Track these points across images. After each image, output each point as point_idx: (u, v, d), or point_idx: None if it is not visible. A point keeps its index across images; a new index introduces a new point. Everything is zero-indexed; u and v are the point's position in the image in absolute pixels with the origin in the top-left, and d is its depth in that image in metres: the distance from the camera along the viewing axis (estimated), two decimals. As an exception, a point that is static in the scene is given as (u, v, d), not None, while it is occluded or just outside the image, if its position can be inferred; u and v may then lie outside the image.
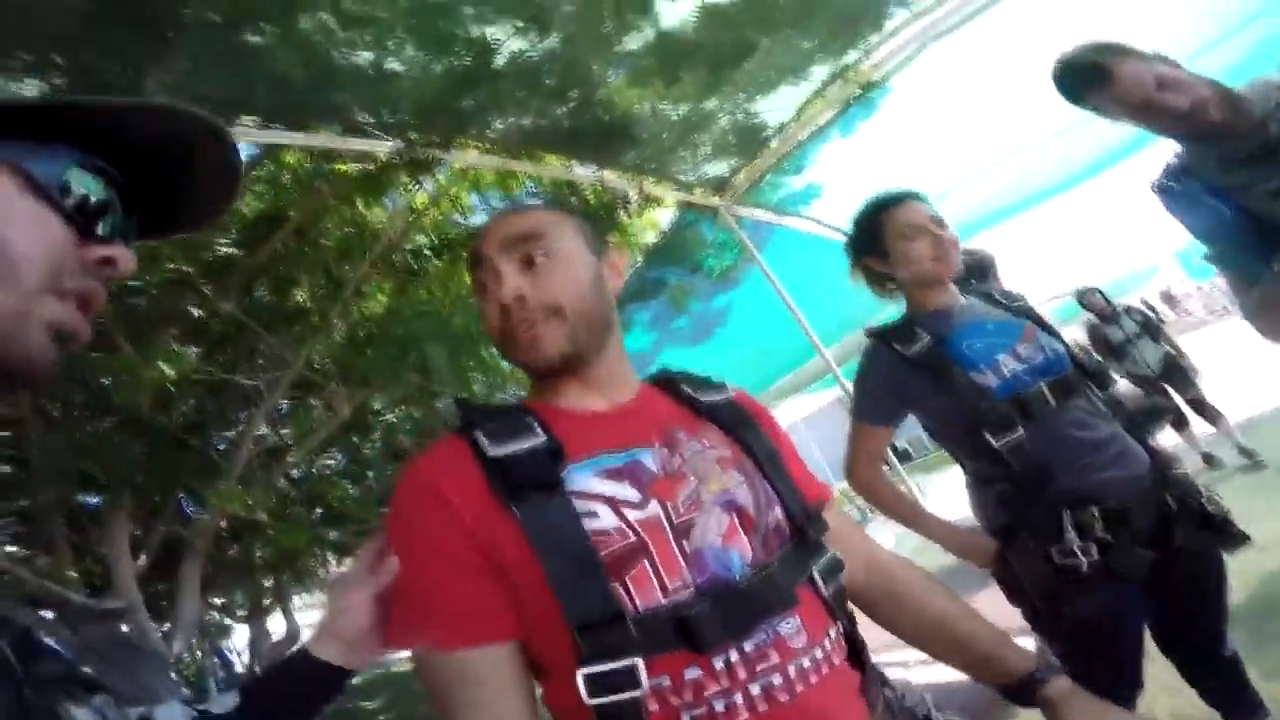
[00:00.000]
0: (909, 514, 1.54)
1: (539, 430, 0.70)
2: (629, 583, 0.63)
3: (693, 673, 0.61)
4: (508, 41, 2.12)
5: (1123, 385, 1.56)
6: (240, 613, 9.62)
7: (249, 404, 3.32)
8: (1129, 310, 5.32)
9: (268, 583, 7.13)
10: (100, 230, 0.51)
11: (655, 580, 0.64)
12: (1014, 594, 1.36)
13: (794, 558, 0.72)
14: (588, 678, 0.59)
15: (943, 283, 1.48)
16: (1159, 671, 1.38)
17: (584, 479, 0.68)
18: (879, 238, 1.53)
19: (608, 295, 0.80)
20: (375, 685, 11.08)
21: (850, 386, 1.60)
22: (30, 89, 1.83)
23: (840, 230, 3.66)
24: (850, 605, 0.78)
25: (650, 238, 3.80)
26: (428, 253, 3.39)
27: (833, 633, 0.71)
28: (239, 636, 11.38)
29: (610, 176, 2.98)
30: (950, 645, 0.86)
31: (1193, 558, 1.26)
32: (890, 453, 3.54)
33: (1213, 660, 1.34)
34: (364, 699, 9.95)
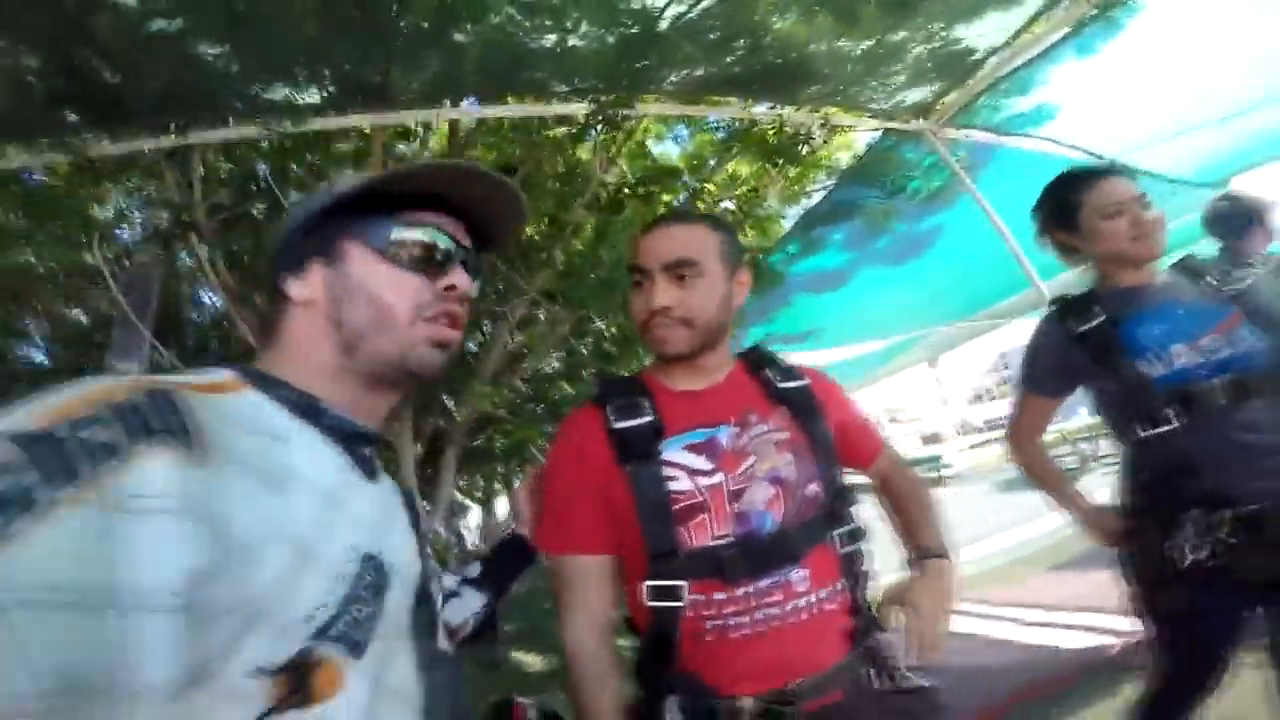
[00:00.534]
0: (1052, 486, 1.56)
1: (648, 409, 0.97)
2: (690, 529, 0.90)
3: (719, 595, 0.88)
4: (668, 7, 2.16)
5: None
6: (478, 495, 11.35)
7: (494, 319, 4.16)
8: None
9: (500, 469, 8.39)
10: (436, 265, 0.66)
11: (709, 528, 0.90)
12: (1126, 575, 1.39)
13: (818, 524, 0.94)
14: (649, 587, 0.88)
15: (1139, 264, 1.39)
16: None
17: (674, 451, 0.94)
18: (1073, 212, 1.44)
19: (730, 308, 1.03)
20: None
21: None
22: (311, 96, 2.44)
23: (1082, 150, 3.00)
24: (864, 568, 0.98)
25: (843, 158, 3.54)
26: (625, 191, 3.69)
27: (837, 585, 0.93)
28: (472, 516, 13.40)
29: (791, 112, 2.86)
30: (897, 517, 1.11)
31: None
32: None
33: None
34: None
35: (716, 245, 1.01)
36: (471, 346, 4.07)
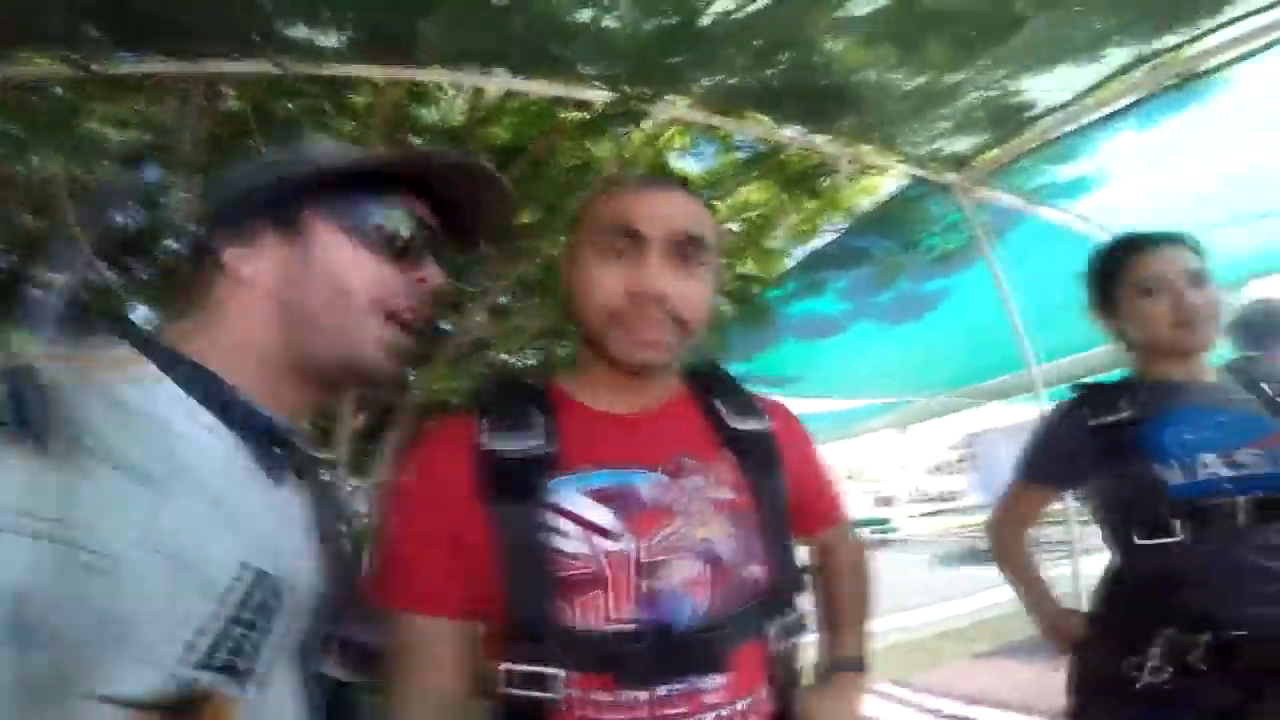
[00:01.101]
0: (1021, 581, 1.47)
1: (541, 431, 0.73)
2: (577, 605, 0.68)
3: (603, 696, 0.66)
4: (716, 2, 2.02)
5: None
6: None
7: (469, 302, 3.95)
8: None
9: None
10: (411, 255, 0.63)
11: (605, 609, 0.68)
12: (1070, 682, 1.32)
13: (753, 615, 0.73)
14: (508, 672, 0.66)
15: (1181, 355, 1.25)
16: None
17: (570, 495, 0.70)
18: (1111, 286, 1.32)
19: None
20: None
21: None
22: (331, 39, 2.27)
23: (1109, 230, 2.93)
24: (797, 666, 0.80)
25: (863, 202, 3.44)
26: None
27: (762, 693, 0.73)
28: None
29: (822, 141, 2.74)
30: (825, 604, 0.95)
31: None
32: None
33: None
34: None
35: (713, 225, 0.81)
36: (444, 326, 3.84)
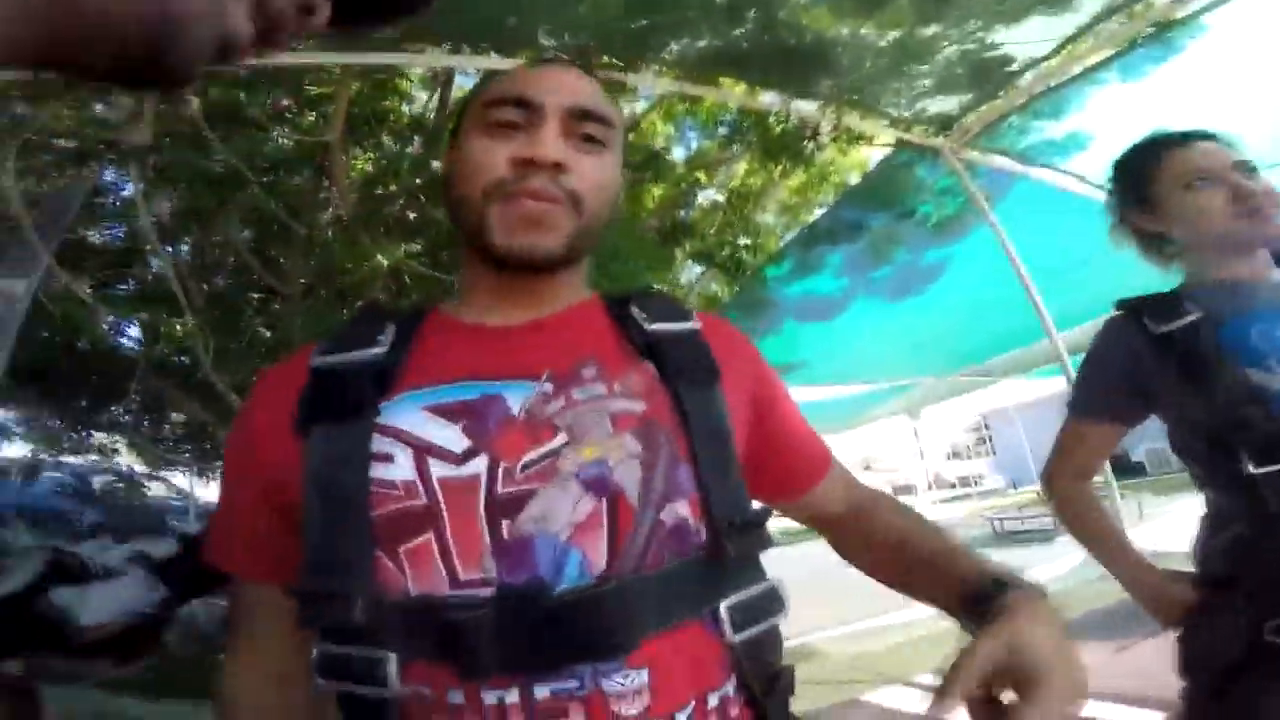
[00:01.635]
0: (1101, 543, 1.22)
1: (384, 340, 0.57)
2: (403, 556, 0.49)
3: (455, 697, 0.46)
4: (677, -39, 1.94)
5: None
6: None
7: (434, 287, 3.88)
8: None
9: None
10: None
11: (441, 563, 0.48)
12: (1188, 664, 1.06)
13: (684, 580, 0.51)
14: (321, 656, 0.49)
15: (1243, 248, 1.08)
16: None
17: (406, 412, 0.53)
18: (1149, 185, 1.16)
19: (610, 217, 0.65)
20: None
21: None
22: None
23: (1104, 187, 2.83)
24: (776, 667, 0.56)
25: (852, 176, 3.34)
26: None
27: (714, 699, 0.50)
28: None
29: (802, 105, 2.64)
30: (909, 566, 0.66)
31: None
32: (1108, 465, 2.83)
33: None
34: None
35: (620, 122, 0.66)
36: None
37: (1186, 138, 1.14)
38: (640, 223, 3.96)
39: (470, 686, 0.46)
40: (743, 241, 4.20)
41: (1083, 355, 1.24)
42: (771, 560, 0.57)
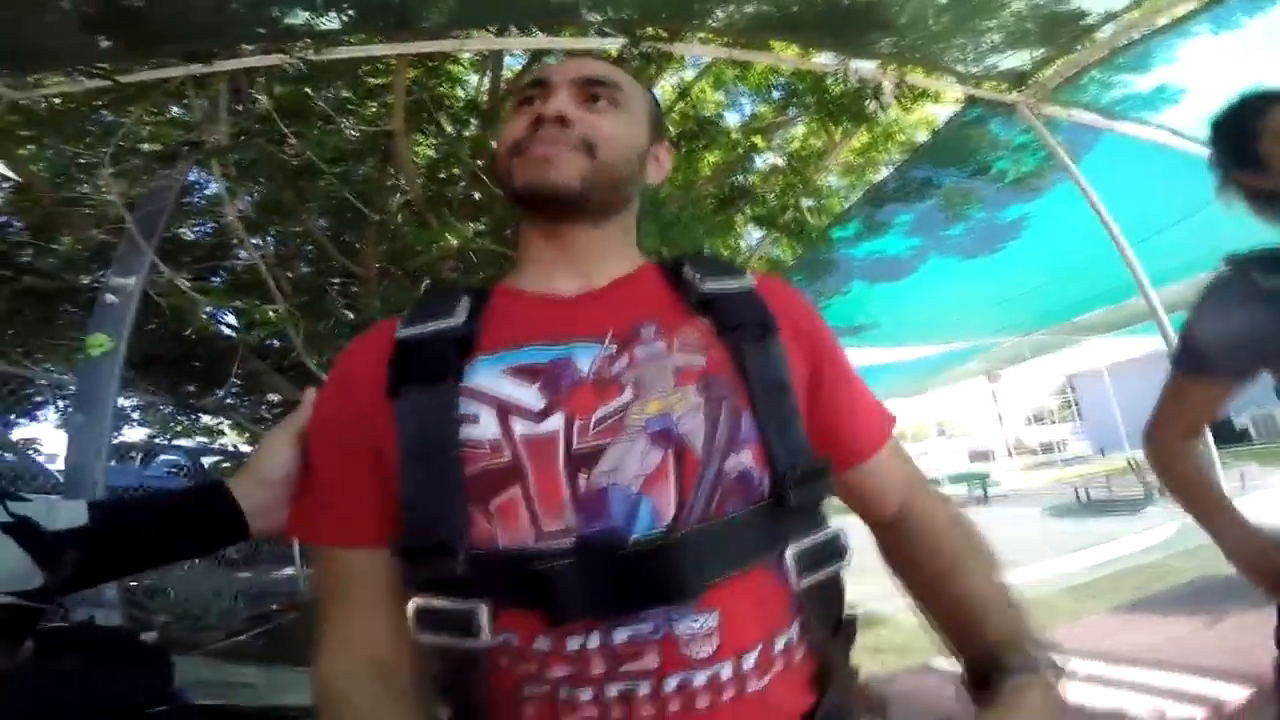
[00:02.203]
0: (1204, 504, 1.21)
1: (461, 312, 0.62)
2: (493, 512, 0.53)
3: (540, 644, 0.50)
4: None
5: None
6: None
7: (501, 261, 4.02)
8: None
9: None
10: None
11: (527, 516, 0.52)
12: None
13: (750, 529, 0.54)
14: (419, 610, 0.53)
15: None
16: None
17: (487, 374, 0.57)
18: (1255, 141, 1.13)
19: (640, 177, 0.70)
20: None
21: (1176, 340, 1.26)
22: (331, 22, 2.31)
23: (1201, 142, 2.60)
24: (840, 614, 0.60)
25: (919, 134, 3.18)
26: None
27: (780, 643, 0.54)
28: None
29: (861, 65, 2.53)
30: (941, 601, 0.65)
31: None
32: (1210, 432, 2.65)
33: None
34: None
35: (640, 94, 0.72)
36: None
37: None
38: (697, 190, 3.94)
39: (555, 633, 0.50)
40: (805, 203, 4.08)
41: (1180, 314, 1.21)
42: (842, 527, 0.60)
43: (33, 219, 3.86)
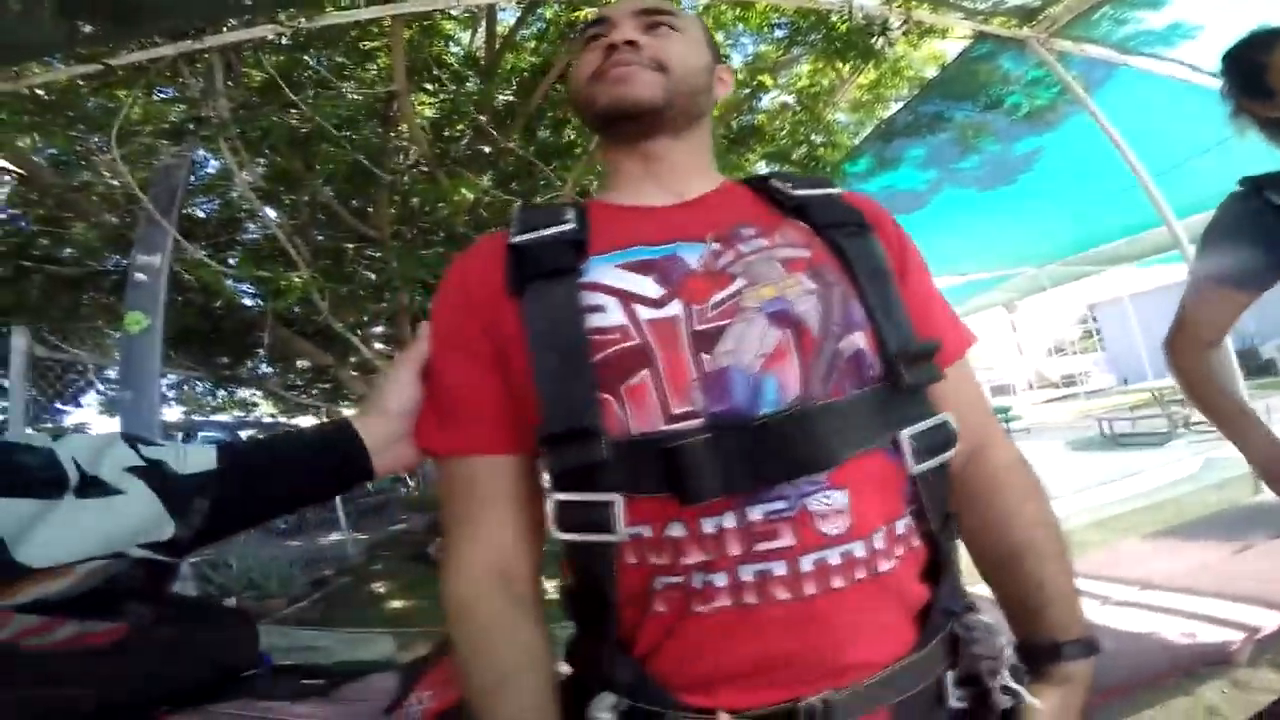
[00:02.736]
0: (1226, 411, 1.24)
1: (571, 218, 0.65)
2: (625, 396, 0.54)
3: (675, 530, 0.51)
4: None
5: None
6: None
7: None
8: None
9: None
10: None
11: (656, 398, 0.53)
12: None
13: (868, 406, 0.55)
14: (559, 505, 0.54)
15: None
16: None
17: (604, 270, 0.60)
18: (1265, 74, 1.18)
19: (712, 90, 0.75)
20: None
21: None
22: None
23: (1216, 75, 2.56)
24: (948, 496, 0.60)
25: (929, 69, 3.13)
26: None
27: (900, 526, 0.55)
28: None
29: (866, 2, 2.50)
30: (1006, 573, 0.63)
31: None
32: (1236, 364, 2.72)
33: None
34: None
35: (694, 21, 0.78)
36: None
37: None
38: (705, 131, 3.92)
39: (690, 516, 0.51)
40: (817, 139, 4.05)
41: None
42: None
43: (44, 209, 3.94)
